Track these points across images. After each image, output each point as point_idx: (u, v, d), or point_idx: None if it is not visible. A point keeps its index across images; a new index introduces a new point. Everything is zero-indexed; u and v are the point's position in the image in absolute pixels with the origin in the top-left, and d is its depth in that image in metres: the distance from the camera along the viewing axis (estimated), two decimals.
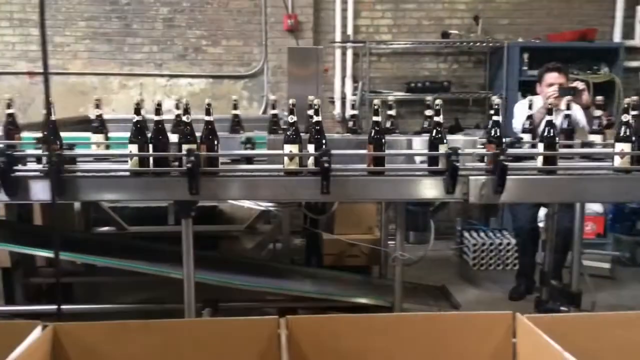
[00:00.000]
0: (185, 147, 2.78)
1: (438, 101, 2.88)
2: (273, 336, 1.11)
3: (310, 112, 2.98)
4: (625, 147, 2.87)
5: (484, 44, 6.46)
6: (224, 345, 1.15)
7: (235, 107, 3.85)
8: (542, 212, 4.71)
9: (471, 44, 6.48)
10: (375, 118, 2.86)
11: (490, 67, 6.69)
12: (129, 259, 3.67)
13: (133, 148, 2.80)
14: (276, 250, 5.16)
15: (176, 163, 2.91)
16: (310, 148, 2.85)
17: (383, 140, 2.83)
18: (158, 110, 2.86)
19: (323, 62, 4.71)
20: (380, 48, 6.62)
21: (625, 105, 2.91)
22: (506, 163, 2.71)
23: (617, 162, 2.90)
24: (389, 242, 4.39)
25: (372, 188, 2.92)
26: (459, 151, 2.77)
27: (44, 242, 3.66)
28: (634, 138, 2.87)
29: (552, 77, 4.45)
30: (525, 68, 6.21)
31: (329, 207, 4.23)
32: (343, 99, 6.57)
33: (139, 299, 4.25)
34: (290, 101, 2.89)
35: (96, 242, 4.37)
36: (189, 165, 2.69)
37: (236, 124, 3.80)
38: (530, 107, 3.76)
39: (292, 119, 2.85)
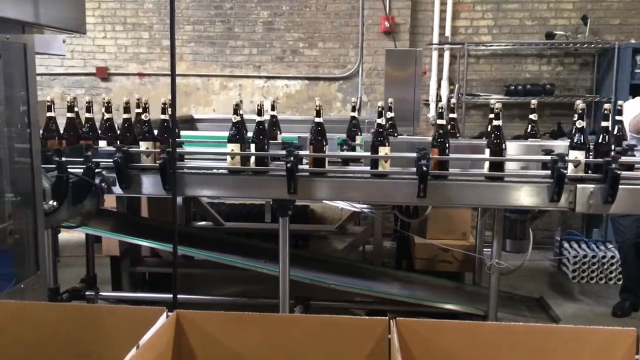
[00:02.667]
0: None
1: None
2: (382, 338, 1.11)
3: None
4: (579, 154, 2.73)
5: (592, 45, 6.13)
6: (333, 342, 1.16)
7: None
8: None
9: (578, 45, 6.16)
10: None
11: (598, 70, 6.33)
12: (225, 253, 3.81)
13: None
14: (366, 252, 5.17)
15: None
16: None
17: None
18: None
19: (422, 65, 4.65)
20: (479, 50, 6.45)
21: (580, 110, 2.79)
22: (618, 172, 2.56)
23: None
24: (484, 249, 4.27)
25: (471, 193, 2.86)
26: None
27: (150, 233, 3.89)
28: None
29: None
30: (637, 71, 5.81)
31: (422, 211, 4.18)
32: (438, 101, 6.47)
33: (230, 292, 4.40)
34: (234, 102, 2.94)
35: (195, 236, 4.58)
36: (288, 165, 2.76)
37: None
38: None
39: (236, 118, 2.88)
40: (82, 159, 2.88)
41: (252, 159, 2.96)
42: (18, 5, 1.84)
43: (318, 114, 2.94)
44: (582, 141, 2.75)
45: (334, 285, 3.71)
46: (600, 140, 2.79)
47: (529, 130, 3.52)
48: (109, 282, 4.42)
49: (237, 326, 1.21)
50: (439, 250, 4.42)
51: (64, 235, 4.69)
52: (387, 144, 2.85)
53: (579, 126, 2.75)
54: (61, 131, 3.35)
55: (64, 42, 2.65)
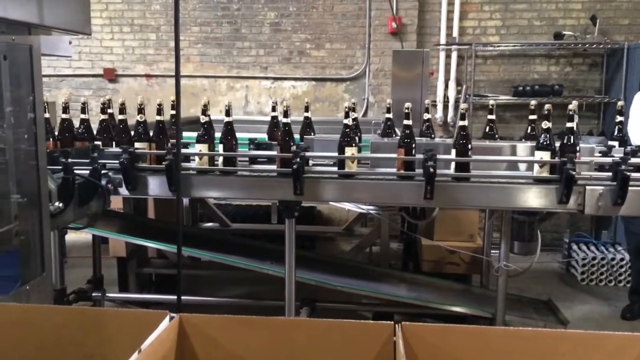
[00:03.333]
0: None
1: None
2: (388, 342, 1.10)
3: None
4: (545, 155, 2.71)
5: (601, 46, 6.08)
6: (338, 346, 1.15)
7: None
8: None
9: (587, 45, 6.12)
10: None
11: (607, 70, 6.28)
12: (231, 254, 3.80)
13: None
14: (373, 253, 5.15)
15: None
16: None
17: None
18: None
19: (429, 66, 4.62)
20: (486, 50, 6.42)
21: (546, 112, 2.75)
22: (628, 173, 2.53)
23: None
24: (492, 251, 4.24)
25: (479, 195, 2.83)
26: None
27: (156, 234, 3.89)
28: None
29: None
30: None
31: (429, 213, 4.16)
32: (445, 102, 6.44)
33: (236, 294, 4.39)
34: (203, 101, 2.96)
35: (201, 237, 4.57)
36: (294, 166, 2.74)
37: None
38: None
39: (204, 119, 2.91)
40: (88, 160, 2.87)
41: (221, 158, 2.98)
42: (23, 6, 1.84)
43: (285, 115, 2.97)
44: (548, 142, 2.73)
45: (340, 287, 3.69)
46: (565, 141, 2.76)
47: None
48: (115, 283, 4.42)
49: (240, 330, 1.20)
50: (446, 252, 4.39)
51: (71, 236, 4.70)
52: (353, 145, 2.87)
53: (544, 127, 2.74)
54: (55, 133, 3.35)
55: (70, 43, 2.65)
